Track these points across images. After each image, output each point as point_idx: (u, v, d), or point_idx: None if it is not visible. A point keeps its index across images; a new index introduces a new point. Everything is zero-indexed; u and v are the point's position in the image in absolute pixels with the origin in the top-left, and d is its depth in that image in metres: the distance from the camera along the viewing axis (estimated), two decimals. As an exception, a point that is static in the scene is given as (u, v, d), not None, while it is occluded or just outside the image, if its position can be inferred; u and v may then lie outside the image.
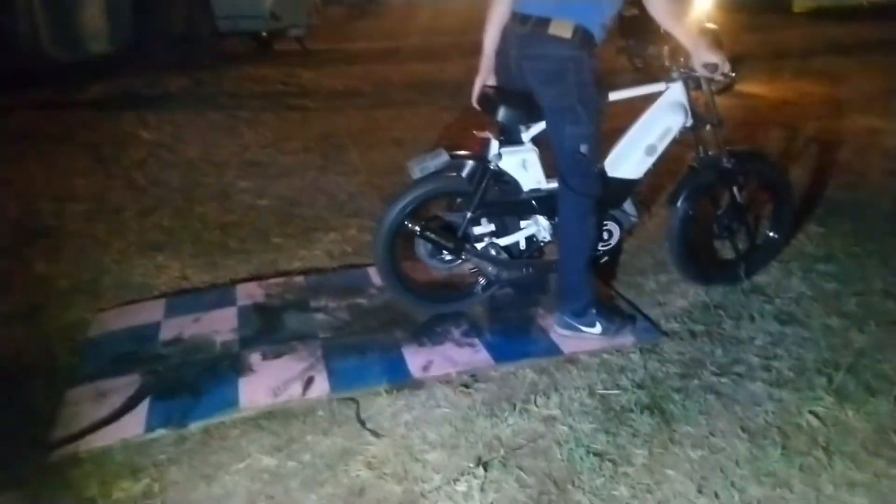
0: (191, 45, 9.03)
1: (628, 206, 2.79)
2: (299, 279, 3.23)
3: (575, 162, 2.48)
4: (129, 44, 9.29)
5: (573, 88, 2.39)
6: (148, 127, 6.14)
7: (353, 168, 4.96)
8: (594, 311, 2.62)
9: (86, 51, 8.98)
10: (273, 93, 7.63)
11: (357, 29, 12.01)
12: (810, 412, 2.23)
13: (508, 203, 2.74)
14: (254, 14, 9.66)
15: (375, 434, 2.19)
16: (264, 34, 9.98)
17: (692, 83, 2.70)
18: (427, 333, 2.72)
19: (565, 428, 2.21)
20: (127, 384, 2.44)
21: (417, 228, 2.68)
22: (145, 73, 8.15)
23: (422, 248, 2.75)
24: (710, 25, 6.32)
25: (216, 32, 9.49)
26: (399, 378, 2.45)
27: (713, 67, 2.49)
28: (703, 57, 2.46)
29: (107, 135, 5.94)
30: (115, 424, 2.25)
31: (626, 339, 2.66)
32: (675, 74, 2.69)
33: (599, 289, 2.96)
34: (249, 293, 3.07)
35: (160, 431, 2.21)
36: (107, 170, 5.03)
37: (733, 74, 2.59)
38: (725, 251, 3.18)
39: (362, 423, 2.24)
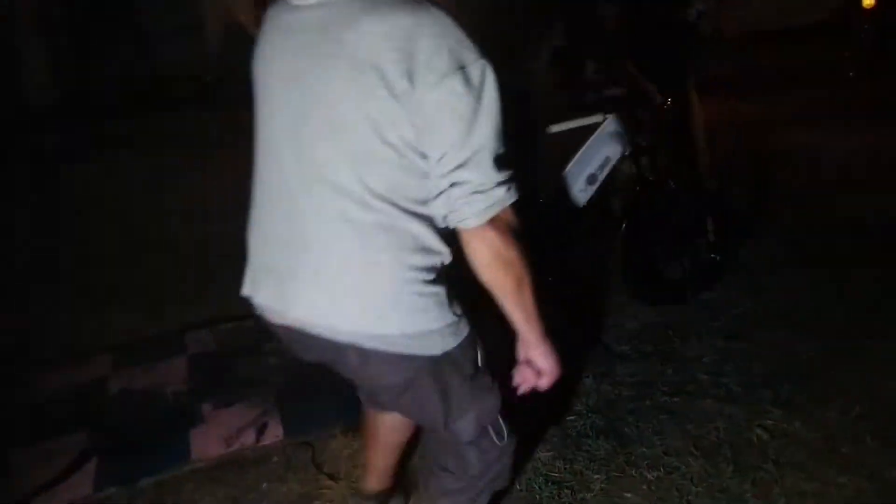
0: (135, 91, 8.95)
1: (573, 232, 2.85)
2: (250, 323, 3.17)
3: None
4: (74, 93, 9.17)
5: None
6: (93, 177, 6.03)
7: (304, 208, 4.95)
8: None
9: (29, 103, 8.83)
10: (221, 137, 7.56)
11: (305, 69, 12.07)
12: (759, 426, 2.28)
13: None
14: (197, 58, 9.63)
15: (332, 477, 2.16)
16: (209, 78, 9.94)
17: (631, 113, 2.79)
18: (382, 371, 2.70)
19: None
20: (74, 443, 2.37)
21: None
22: (90, 122, 8.04)
23: None
24: None
25: (160, 77, 9.43)
26: (354, 418, 2.41)
27: None
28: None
29: (50, 188, 5.82)
30: (63, 485, 2.18)
31: (577, 363, 2.68)
32: (613, 106, 2.77)
33: (549, 313, 2.99)
34: (200, 340, 3.02)
35: (110, 490, 2.16)
36: (50, 223, 4.91)
37: (668, 103, 2.67)
38: (672, 271, 3.25)
39: (318, 467, 2.21)
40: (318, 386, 2.62)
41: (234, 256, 4.25)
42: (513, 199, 1.26)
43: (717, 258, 3.19)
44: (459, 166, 1.21)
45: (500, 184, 1.24)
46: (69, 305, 3.55)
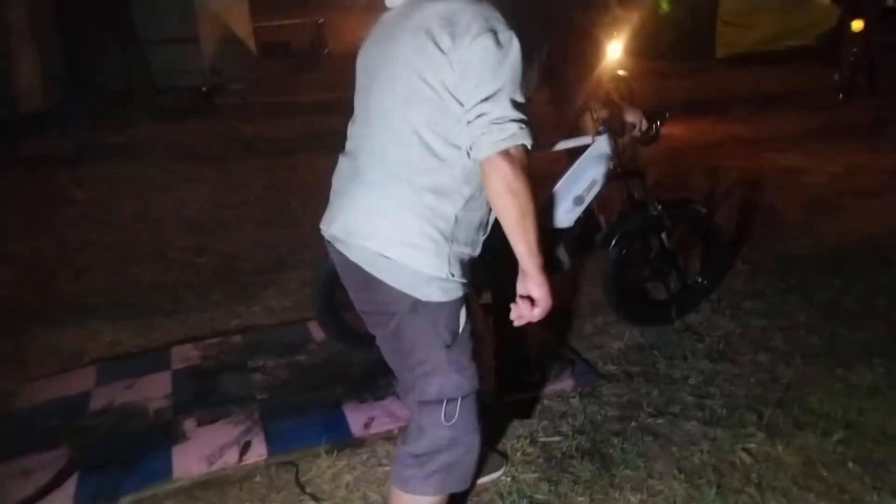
0: (128, 100, 8.94)
1: (560, 252, 2.85)
2: (237, 338, 3.17)
3: None
4: (64, 100, 9.14)
5: None
6: (82, 186, 6.02)
7: (294, 220, 4.94)
8: (531, 358, 2.66)
9: (19, 109, 8.80)
10: (213, 147, 7.58)
11: (299, 81, 12.08)
12: (743, 449, 2.29)
13: None
14: (193, 69, 9.63)
15: (315, 498, 2.15)
16: (204, 88, 9.94)
17: (617, 136, 2.80)
18: (368, 388, 2.69)
19: (508, 479, 2.21)
20: (54, 459, 2.35)
21: None
22: (81, 130, 8.02)
23: None
24: (621, 73, 6.61)
25: (154, 87, 9.43)
26: (339, 437, 2.42)
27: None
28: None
29: (39, 195, 5.80)
30: (42, 502, 2.15)
31: (566, 383, 2.69)
32: (600, 128, 2.78)
33: (537, 333, 3.00)
34: (184, 356, 3.00)
35: (90, 508, 2.13)
36: (38, 231, 4.89)
37: (654, 130, 2.70)
38: (658, 292, 3.27)
39: (302, 487, 2.20)
40: (304, 403, 2.61)
41: (223, 270, 4.26)
42: (526, 140, 1.50)
43: (704, 282, 3.21)
44: (482, 100, 1.48)
45: (514, 121, 1.49)
46: (55, 315, 3.53)
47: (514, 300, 1.63)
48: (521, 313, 1.61)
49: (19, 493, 2.19)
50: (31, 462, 2.34)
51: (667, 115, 2.78)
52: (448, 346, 1.62)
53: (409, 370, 1.69)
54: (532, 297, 1.59)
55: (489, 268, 1.85)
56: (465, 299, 1.65)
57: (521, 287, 1.59)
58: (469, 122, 1.50)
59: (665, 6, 11.93)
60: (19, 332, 3.37)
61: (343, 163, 1.72)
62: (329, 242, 1.70)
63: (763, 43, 10.91)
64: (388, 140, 1.58)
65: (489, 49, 1.48)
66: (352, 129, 1.73)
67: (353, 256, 1.61)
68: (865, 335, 2.94)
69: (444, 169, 1.56)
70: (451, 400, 1.65)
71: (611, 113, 2.67)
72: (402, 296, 1.58)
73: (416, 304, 1.58)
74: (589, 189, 2.74)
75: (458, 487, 1.75)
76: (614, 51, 6.85)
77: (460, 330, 1.63)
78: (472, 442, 1.71)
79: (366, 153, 1.63)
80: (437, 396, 1.65)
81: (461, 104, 1.52)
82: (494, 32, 1.49)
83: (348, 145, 1.72)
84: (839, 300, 3.24)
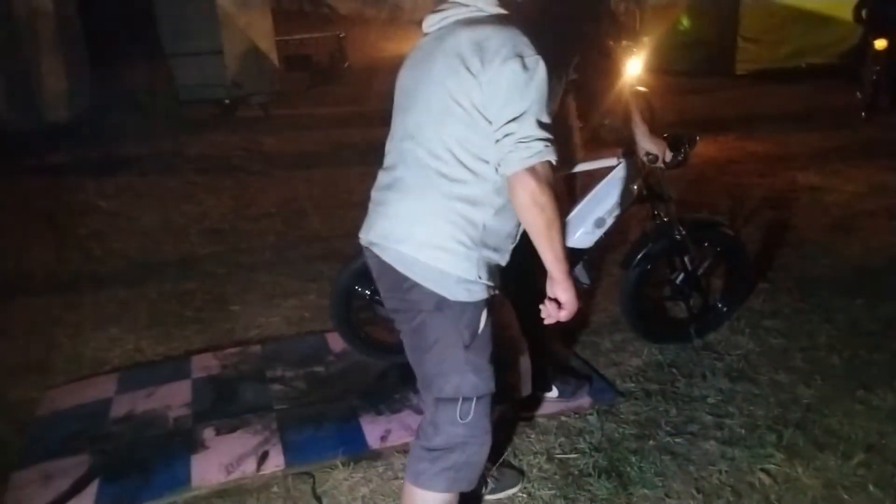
0: (152, 112, 9.07)
1: (579, 271, 2.85)
2: (256, 348, 3.20)
3: None
4: (89, 111, 9.30)
5: None
6: (106, 195, 6.11)
7: (313, 233, 4.99)
8: (549, 374, 2.65)
9: (45, 119, 8.98)
10: (234, 159, 7.67)
11: (320, 94, 12.19)
12: (762, 470, 2.27)
13: None
14: (215, 82, 9.77)
15: (331, 509, 2.16)
16: (227, 101, 10.08)
17: (643, 159, 2.77)
18: (385, 401, 2.70)
19: (524, 495, 2.21)
20: (75, 465, 2.38)
21: (368, 293, 2.79)
22: (105, 140, 8.15)
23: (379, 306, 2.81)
24: (641, 89, 6.59)
25: (177, 100, 9.56)
26: (356, 449, 2.43)
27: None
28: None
29: (63, 204, 5.89)
30: (62, 508, 2.18)
31: (583, 400, 2.68)
32: (626, 150, 2.76)
33: (556, 349, 2.99)
34: (204, 365, 3.03)
35: (109, 514, 2.15)
36: (62, 240, 4.97)
37: (682, 156, 2.68)
38: (678, 310, 3.25)
39: (318, 498, 2.21)
40: (321, 414, 2.63)
41: (243, 280, 4.30)
42: (550, 157, 1.60)
43: (726, 307, 3.18)
44: (510, 121, 1.58)
45: (539, 139, 1.58)
46: (77, 323, 3.58)
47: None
48: (550, 313, 1.73)
49: (40, 498, 2.22)
50: (52, 468, 2.37)
51: (697, 138, 2.74)
52: (466, 347, 1.72)
53: (428, 367, 1.77)
54: (559, 300, 1.71)
55: (506, 279, 1.87)
56: (488, 303, 1.74)
57: (550, 291, 1.72)
58: (497, 141, 1.60)
59: (685, 22, 11.93)
60: (42, 338, 3.43)
61: (381, 176, 1.83)
62: (366, 248, 1.81)
63: (784, 60, 10.86)
64: (423, 153, 1.69)
65: (516, 72, 1.57)
66: (389, 145, 1.83)
67: (388, 258, 1.72)
68: (887, 357, 2.90)
69: (477, 181, 1.67)
70: (466, 399, 1.74)
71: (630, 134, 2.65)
72: (430, 294, 1.68)
73: (442, 303, 1.68)
74: (611, 212, 2.72)
75: (466, 487, 1.82)
76: (633, 68, 6.85)
77: (479, 331, 1.74)
78: (484, 442, 1.79)
79: (402, 165, 1.74)
80: (453, 394, 1.74)
81: (490, 122, 1.61)
82: (521, 57, 1.58)
83: (386, 160, 1.82)
84: (860, 321, 3.20)
